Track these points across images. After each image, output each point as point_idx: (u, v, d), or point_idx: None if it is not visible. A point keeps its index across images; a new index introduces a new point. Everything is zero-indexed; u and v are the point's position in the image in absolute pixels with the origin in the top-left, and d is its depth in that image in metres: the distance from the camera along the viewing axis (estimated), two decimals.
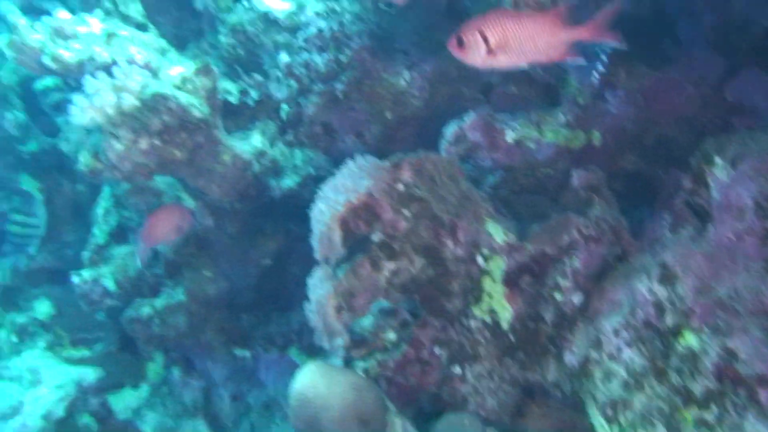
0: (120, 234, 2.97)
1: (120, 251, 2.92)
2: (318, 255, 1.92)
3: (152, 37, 2.28)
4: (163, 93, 2.08)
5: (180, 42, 3.05)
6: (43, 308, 3.22)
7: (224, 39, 2.77)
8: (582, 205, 1.96)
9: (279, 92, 2.65)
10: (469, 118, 2.26)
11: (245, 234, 2.80)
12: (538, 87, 2.37)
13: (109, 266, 2.92)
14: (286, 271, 2.98)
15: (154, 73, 2.15)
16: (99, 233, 2.96)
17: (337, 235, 1.88)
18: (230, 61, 2.79)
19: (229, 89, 2.67)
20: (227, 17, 2.78)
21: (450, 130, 2.30)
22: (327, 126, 2.65)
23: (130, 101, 2.02)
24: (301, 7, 2.63)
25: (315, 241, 1.92)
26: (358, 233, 1.89)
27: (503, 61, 1.75)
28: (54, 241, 3.36)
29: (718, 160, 1.65)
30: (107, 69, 2.11)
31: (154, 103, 2.07)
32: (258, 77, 2.72)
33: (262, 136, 2.64)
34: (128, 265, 2.90)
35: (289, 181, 2.62)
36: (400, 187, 1.88)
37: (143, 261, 2.65)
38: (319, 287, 1.91)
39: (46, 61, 2.09)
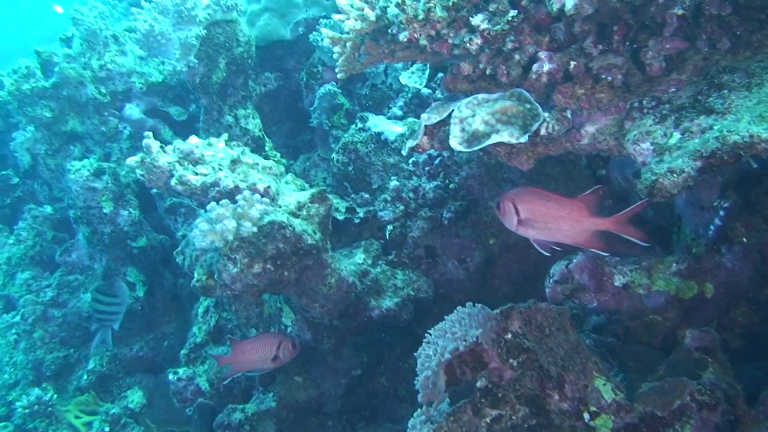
0: (217, 334, 3.03)
1: (216, 351, 2.97)
2: (421, 398, 1.92)
3: (272, 163, 2.35)
4: (279, 221, 2.13)
5: (291, 152, 3.16)
6: (135, 397, 3.29)
7: (335, 155, 2.85)
8: (695, 367, 1.90)
9: (385, 213, 2.69)
10: (578, 259, 2.24)
11: (339, 346, 2.81)
12: (649, 230, 2.34)
13: (204, 366, 2.97)
14: (374, 381, 2.97)
15: (273, 199, 2.21)
16: (198, 332, 3.03)
17: (441, 381, 1.87)
18: (339, 177, 2.86)
19: (337, 206, 2.72)
20: (340, 134, 2.86)
21: (557, 269, 2.27)
22: (430, 249, 2.67)
23: (248, 228, 2.08)
24: (413, 132, 2.68)
25: (419, 385, 1.92)
26: (463, 379, 1.88)
27: (531, 233, 1.87)
28: (151, 331, 3.45)
29: None
30: (229, 193, 2.19)
31: (271, 230, 2.13)
32: (365, 196, 2.77)
33: (365, 254, 2.67)
34: (223, 366, 2.95)
35: (388, 302, 2.62)
36: (509, 336, 1.87)
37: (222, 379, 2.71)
38: (419, 430, 1.89)
39: (174, 183, 2.17)
